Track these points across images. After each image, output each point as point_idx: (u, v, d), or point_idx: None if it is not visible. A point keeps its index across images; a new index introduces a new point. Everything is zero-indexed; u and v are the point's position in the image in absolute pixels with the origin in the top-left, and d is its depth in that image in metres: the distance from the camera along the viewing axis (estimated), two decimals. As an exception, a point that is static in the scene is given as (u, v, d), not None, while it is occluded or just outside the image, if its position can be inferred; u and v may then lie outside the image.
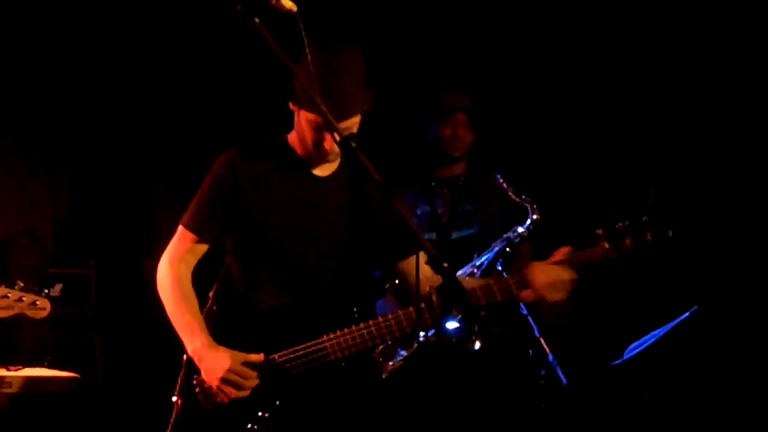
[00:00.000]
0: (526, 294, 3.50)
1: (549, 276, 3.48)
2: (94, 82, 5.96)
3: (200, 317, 3.58)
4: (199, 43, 5.95)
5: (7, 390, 4.65)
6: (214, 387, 3.45)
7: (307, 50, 3.06)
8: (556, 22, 5.87)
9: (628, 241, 3.46)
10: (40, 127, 5.96)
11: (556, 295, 3.50)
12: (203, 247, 3.67)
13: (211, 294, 3.71)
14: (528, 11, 5.90)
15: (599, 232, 3.47)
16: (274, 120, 3.84)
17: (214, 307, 3.68)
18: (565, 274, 3.49)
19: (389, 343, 3.67)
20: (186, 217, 3.68)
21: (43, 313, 3.70)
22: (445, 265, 2.78)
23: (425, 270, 3.12)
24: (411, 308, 3.51)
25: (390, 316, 3.50)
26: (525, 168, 5.25)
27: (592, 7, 5.79)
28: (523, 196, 4.77)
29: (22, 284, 3.65)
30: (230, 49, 5.80)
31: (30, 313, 3.66)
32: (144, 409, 5.57)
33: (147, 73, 6.00)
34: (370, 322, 3.50)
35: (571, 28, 5.85)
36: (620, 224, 3.46)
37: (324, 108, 2.99)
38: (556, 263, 3.50)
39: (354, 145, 2.91)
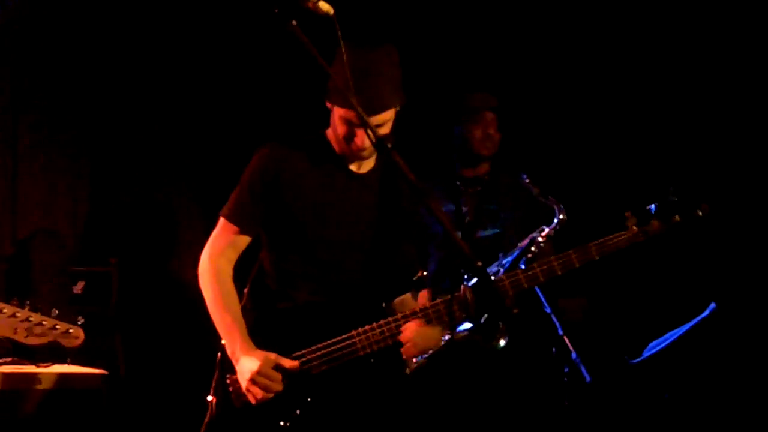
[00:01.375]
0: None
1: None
2: (115, 78, 5.99)
3: (239, 316, 3.59)
4: (220, 39, 5.98)
5: (38, 386, 4.68)
6: (242, 388, 3.50)
7: (343, 50, 3.11)
8: (577, 23, 5.90)
9: (655, 223, 3.48)
10: (61, 126, 5.97)
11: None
12: (245, 240, 3.68)
13: (245, 290, 3.74)
14: (548, 13, 5.93)
15: (627, 214, 3.50)
16: (297, 118, 3.88)
17: (248, 305, 3.71)
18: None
19: None
20: (227, 208, 3.68)
21: (77, 342, 3.67)
22: (479, 264, 2.82)
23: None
24: (438, 300, 3.54)
25: (417, 309, 3.54)
26: (544, 168, 5.27)
27: (614, 9, 5.82)
28: (550, 197, 4.80)
29: (57, 312, 3.66)
30: (254, 46, 5.83)
31: (64, 341, 3.65)
32: (165, 406, 5.64)
33: (168, 69, 6.03)
34: (398, 315, 3.54)
35: (593, 28, 5.88)
36: (648, 207, 3.48)
37: (358, 106, 3.04)
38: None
39: (390, 145, 2.96)
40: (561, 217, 4.77)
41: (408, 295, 3.76)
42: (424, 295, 3.73)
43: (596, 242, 3.50)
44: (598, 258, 3.51)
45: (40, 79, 5.90)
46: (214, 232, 3.70)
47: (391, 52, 3.56)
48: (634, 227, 3.49)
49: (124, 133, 6.03)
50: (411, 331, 3.51)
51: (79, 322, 3.64)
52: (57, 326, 3.54)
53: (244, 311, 3.67)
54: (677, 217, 3.48)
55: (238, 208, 3.65)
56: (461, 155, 5.11)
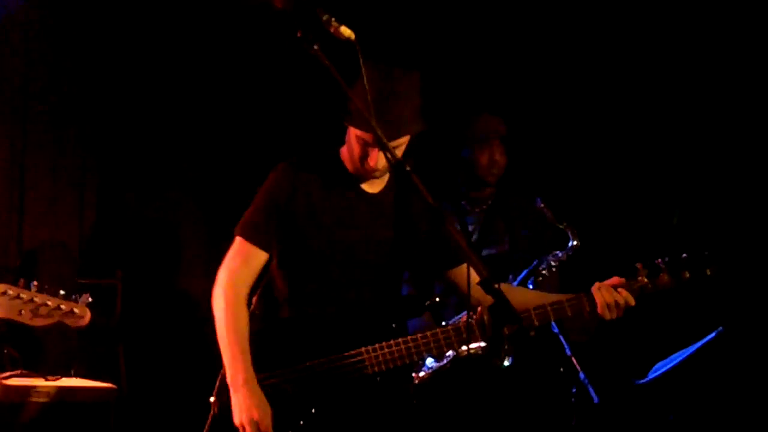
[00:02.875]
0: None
1: (611, 296, 3.55)
2: (123, 92, 6.00)
3: (246, 347, 3.58)
4: (234, 55, 6.00)
5: (45, 399, 4.69)
6: (236, 422, 3.51)
7: (364, 74, 3.14)
8: (587, 48, 5.93)
9: (665, 278, 3.56)
10: (67, 139, 5.98)
11: (612, 315, 3.57)
12: (262, 257, 3.67)
13: (254, 299, 3.74)
14: (559, 35, 5.96)
15: (638, 265, 3.55)
16: (303, 135, 3.90)
17: (257, 312, 3.70)
18: (625, 297, 3.58)
19: (425, 359, 3.73)
20: (242, 226, 3.69)
21: (82, 322, 3.67)
22: (497, 286, 2.85)
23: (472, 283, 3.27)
24: (449, 327, 3.57)
25: (428, 333, 3.56)
26: (553, 190, 5.30)
27: (622, 34, 5.85)
28: (564, 223, 4.82)
29: (63, 292, 3.66)
30: (266, 62, 5.85)
31: (69, 321, 3.64)
32: (168, 419, 5.64)
33: (178, 83, 6.05)
34: (409, 338, 3.56)
35: (603, 54, 5.90)
36: (659, 260, 3.55)
37: (378, 130, 3.07)
38: (614, 286, 3.57)
39: (408, 168, 2.98)
40: (575, 242, 4.80)
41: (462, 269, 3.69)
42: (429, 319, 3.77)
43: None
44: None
45: (48, 91, 5.91)
46: (231, 251, 3.69)
47: (414, 78, 3.59)
48: (644, 278, 3.57)
49: (130, 146, 6.04)
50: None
51: (85, 302, 3.62)
52: (62, 306, 3.54)
53: (253, 317, 3.67)
54: (687, 274, 3.56)
55: (254, 226, 3.66)
56: (467, 179, 5.13)
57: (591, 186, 5.86)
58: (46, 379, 4.81)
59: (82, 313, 3.59)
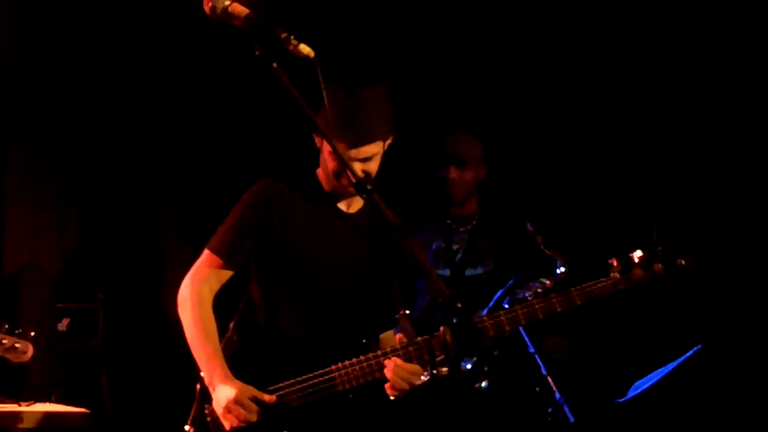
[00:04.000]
0: None
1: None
2: (102, 114, 6.02)
3: (217, 346, 3.61)
4: (210, 76, 6.01)
5: (20, 425, 4.65)
6: (219, 415, 3.51)
7: (324, 91, 3.12)
8: (564, 62, 5.93)
9: (637, 272, 3.49)
10: (47, 161, 6.00)
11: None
12: (227, 274, 3.70)
13: (231, 325, 3.76)
14: (541, 55, 5.96)
15: (612, 261, 3.50)
16: (288, 154, 3.90)
17: (234, 337, 3.72)
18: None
19: None
20: (214, 241, 3.70)
21: (24, 357, 3.67)
22: (459, 305, 2.83)
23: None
24: (419, 338, 3.55)
25: (399, 347, 3.55)
26: (532, 204, 5.30)
27: (600, 48, 5.85)
28: (553, 249, 4.80)
29: (6, 326, 3.63)
30: (243, 84, 5.86)
31: (10, 356, 3.63)
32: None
33: (154, 106, 6.06)
34: (378, 352, 3.56)
35: (579, 68, 5.91)
36: (631, 254, 3.49)
37: (339, 146, 3.07)
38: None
39: (370, 187, 2.97)
40: (562, 269, 4.77)
41: (390, 332, 3.78)
42: (406, 330, 3.74)
43: (577, 288, 3.52)
44: (580, 304, 3.53)
45: (27, 115, 5.92)
46: (198, 263, 3.71)
47: (380, 90, 3.62)
48: (617, 274, 3.50)
49: (111, 170, 6.05)
50: (393, 367, 3.51)
51: (60, 328, 3.61)
52: (4, 341, 3.51)
53: (229, 343, 3.72)
54: (659, 267, 3.48)
55: (225, 242, 3.67)
56: (442, 196, 5.14)
57: (576, 208, 5.84)
58: (19, 405, 4.77)
59: (24, 348, 3.58)
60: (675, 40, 5.70)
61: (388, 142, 3.66)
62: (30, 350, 3.58)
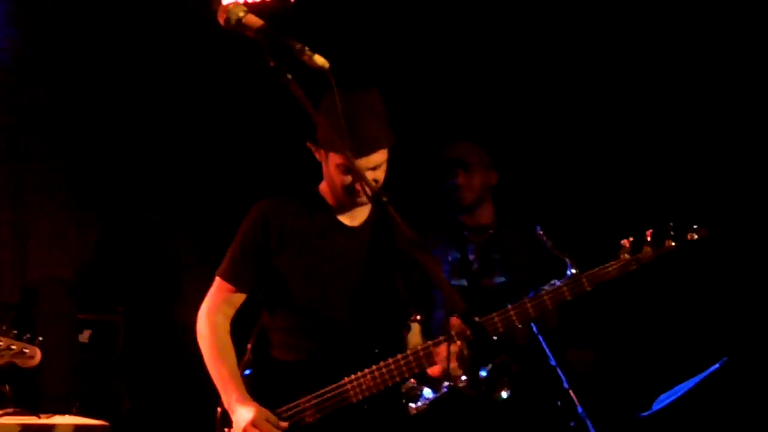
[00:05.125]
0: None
1: None
2: (121, 127, 6.03)
3: (235, 370, 3.67)
4: (225, 91, 6.02)
5: (36, 438, 4.65)
6: None
7: (338, 102, 3.10)
8: (572, 66, 5.89)
9: (648, 250, 3.43)
10: (67, 175, 6.02)
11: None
12: (240, 297, 3.75)
13: (248, 346, 3.77)
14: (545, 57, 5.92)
15: (623, 242, 3.46)
16: (303, 171, 3.88)
17: (250, 360, 3.74)
18: None
19: (408, 378, 3.69)
20: (222, 267, 3.76)
21: (32, 362, 3.65)
22: (477, 319, 2.80)
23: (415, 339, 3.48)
24: (429, 342, 3.54)
25: (408, 352, 3.54)
26: (543, 209, 5.25)
27: (609, 52, 5.81)
28: (563, 251, 4.75)
29: (15, 331, 3.63)
30: (257, 98, 5.86)
31: (19, 361, 3.62)
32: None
33: (173, 118, 6.07)
34: (389, 360, 3.56)
35: (587, 71, 5.86)
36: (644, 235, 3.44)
37: (350, 155, 3.09)
38: None
39: (385, 199, 2.94)
40: (573, 271, 4.70)
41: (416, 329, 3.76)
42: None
43: (586, 274, 3.47)
44: (590, 289, 3.52)
45: (47, 127, 5.94)
46: (211, 290, 3.78)
47: (373, 93, 3.62)
48: (627, 255, 3.45)
49: (131, 182, 6.06)
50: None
51: (81, 340, 3.61)
52: (12, 346, 3.51)
53: (246, 365, 3.72)
54: (671, 243, 3.41)
55: (232, 267, 3.72)
56: (452, 204, 5.12)
57: (587, 210, 5.79)
58: (39, 417, 4.77)
59: (32, 353, 3.57)
60: (682, 42, 5.64)
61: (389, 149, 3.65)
62: (38, 355, 3.58)
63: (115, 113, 6.00)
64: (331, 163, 3.60)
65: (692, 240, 3.44)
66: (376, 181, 3.54)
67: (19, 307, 5.82)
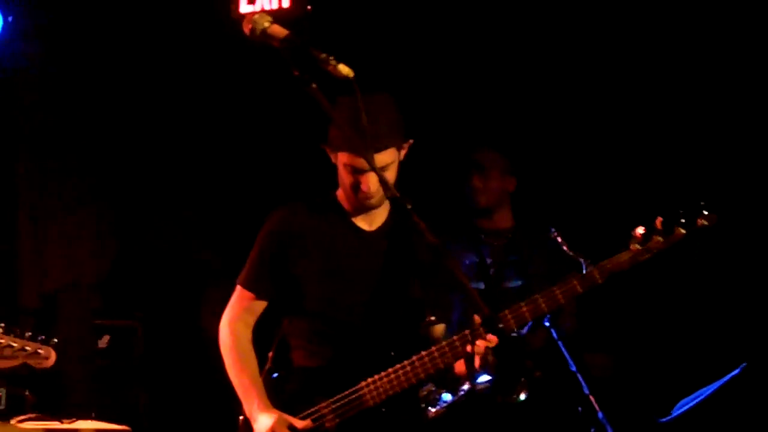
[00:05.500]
0: None
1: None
2: (141, 133, 6.06)
3: (256, 377, 3.70)
4: (248, 98, 6.05)
5: (59, 443, 4.70)
6: None
7: (362, 108, 3.13)
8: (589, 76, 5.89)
9: (658, 239, 3.40)
10: (87, 181, 6.05)
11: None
12: (261, 304, 3.77)
13: (270, 354, 3.79)
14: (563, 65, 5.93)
15: (633, 232, 3.41)
16: (322, 176, 3.90)
17: (272, 368, 3.76)
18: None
19: (424, 379, 3.70)
20: (242, 276, 3.78)
21: (47, 363, 3.63)
22: (501, 325, 2.81)
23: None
24: (444, 343, 3.54)
25: (424, 353, 3.54)
26: (559, 210, 5.25)
27: (631, 58, 5.81)
28: (577, 252, 4.75)
29: (29, 333, 3.65)
30: (280, 104, 5.88)
31: (34, 362, 3.61)
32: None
33: (194, 122, 6.10)
34: (405, 362, 3.56)
35: (600, 72, 5.86)
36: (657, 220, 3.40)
37: (354, 160, 3.17)
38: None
39: (409, 206, 2.95)
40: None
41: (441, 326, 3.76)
42: (432, 339, 3.73)
43: (596, 266, 3.46)
44: (601, 281, 3.47)
45: (66, 133, 5.98)
46: (232, 299, 3.81)
47: (385, 97, 3.63)
48: (637, 245, 3.42)
49: (150, 188, 6.08)
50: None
51: (101, 346, 3.61)
52: (27, 347, 3.51)
53: (268, 372, 3.75)
54: (681, 230, 3.39)
55: (251, 275, 3.75)
56: (470, 208, 5.14)
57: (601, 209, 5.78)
58: (61, 422, 4.81)
59: (46, 354, 3.57)
60: (689, 39, 5.64)
61: (404, 151, 3.66)
62: (52, 356, 3.58)
63: (136, 120, 6.03)
64: (340, 163, 3.64)
65: (702, 227, 3.40)
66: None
67: (39, 312, 5.85)
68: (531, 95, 5.90)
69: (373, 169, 3.04)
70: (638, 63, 5.75)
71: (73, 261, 6.00)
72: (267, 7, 5.74)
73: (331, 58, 2.97)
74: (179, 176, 6.12)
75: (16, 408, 5.11)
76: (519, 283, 5.06)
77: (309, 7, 5.77)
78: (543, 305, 3.50)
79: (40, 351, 3.54)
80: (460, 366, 3.56)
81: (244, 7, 5.78)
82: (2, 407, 5.10)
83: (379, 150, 3.50)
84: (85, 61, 5.98)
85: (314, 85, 2.96)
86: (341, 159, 3.62)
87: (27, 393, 5.21)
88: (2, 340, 3.47)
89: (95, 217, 6.06)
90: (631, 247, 3.42)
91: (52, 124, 5.96)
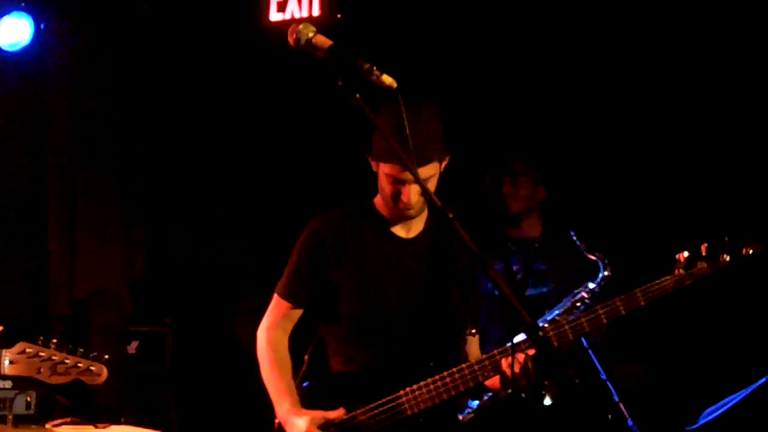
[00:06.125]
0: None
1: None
2: (171, 141, 6.10)
3: (290, 381, 3.70)
4: (286, 104, 6.09)
5: (102, 447, 4.73)
6: None
7: (405, 118, 3.16)
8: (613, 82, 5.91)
9: (702, 265, 3.41)
10: (117, 188, 6.10)
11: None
12: (298, 312, 3.79)
13: (306, 357, 3.82)
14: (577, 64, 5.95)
15: (678, 256, 3.42)
16: (358, 183, 3.93)
17: (307, 372, 3.79)
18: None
19: (463, 392, 3.72)
20: (279, 285, 3.80)
21: (99, 380, 3.70)
22: (541, 333, 2.84)
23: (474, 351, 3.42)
24: (495, 351, 3.53)
25: (464, 366, 3.56)
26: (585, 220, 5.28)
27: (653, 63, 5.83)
28: (596, 252, 4.78)
29: (81, 350, 3.70)
30: (316, 110, 5.92)
31: (86, 379, 3.67)
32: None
33: (224, 131, 6.14)
34: (444, 373, 3.57)
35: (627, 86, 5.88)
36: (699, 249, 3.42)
37: (396, 171, 3.16)
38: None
39: (452, 215, 2.98)
40: (606, 273, 4.75)
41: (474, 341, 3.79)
42: (471, 350, 3.77)
43: (641, 288, 3.46)
44: (644, 304, 3.46)
45: (96, 141, 6.03)
46: (270, 307, 3.82)
47: (431, 107, 3.64)
48: (681, 270, 3.44)
49: (179, 195, 6.12)
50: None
51: (130, 351, 3.64)
52: (79, 364, 3.56)
53: (304, 377, 3.77)
54: (725, 257, 3.41)
55: (289, 284, 3.77)
56: (500, 218, 5.17)
57: (621, 212, 5.80)
58: (96, 427, 4.84)
59: (98, 371, 3.63)
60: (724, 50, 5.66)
61: (445, 162, 3.68)
62: (104, 373, 3.64)
63: (163, 127, 6.08)
64: (381, 172, 3.66)
65: (747, 255, 3.44)
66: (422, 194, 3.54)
67: (69, 319, 5.90)
68: (566, 109, 5.93)
69: (418, 181, 3.04)
70: (682, 80, 5.75)
71: (103, 268, 6.05)
72: (297, 15, 5.77)
73: (375, 68, 3.00)
74: (208, 182, 6.16)
75: (47, 412, 5.16)
76: (544, 290, 5.08)
77: (339, 15, 5.80)
78: (585, 324, 3.49)
79: (92, 368, 3.59)
80: (493, 379, 3.57)
81: (274, 15, 5.83)
82: (32, 411, 5.13)
83: (422, 164, 3.51)
84: (115, 71, 6.04)
85: (358, 96, 2.99)
86: (383, 169, 3.63)
87: (59, 397, 5.25)
88: (56, 357, 3.52)
89: (125, 224, 6.11)
90: (676, 271, 3.44)
91: (82, 134, 6.01)
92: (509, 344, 3.47)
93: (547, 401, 4.60)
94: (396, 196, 3.63)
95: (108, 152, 6.08)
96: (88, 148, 6.03)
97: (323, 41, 3.04)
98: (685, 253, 3.45)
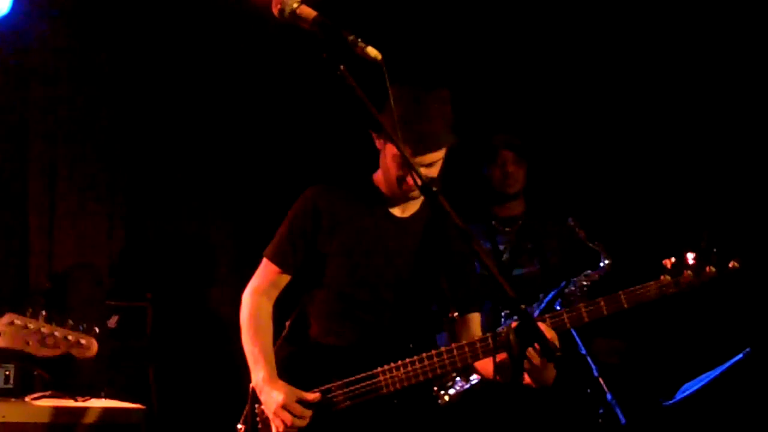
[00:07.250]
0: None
1: None
2: (151, 114, 6.07)
3: (268, 350, 3.71)
4: (263, 77, 6.08)
5: (82, 420, 4.73)
6: (270, 418, 3.60)
7: (391, 95, 3.11)
8: (609, 69, 5.93)
9: (688, 275, 3.44)
10: (97, 161, 6.06)
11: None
12: (285, 278, 3.80)
13: (287, 323, 3.82)
14: (582, 56, 5.97)
15: (665, 263, 3.45)
16: (344, 160, 3.94)
17: (288, 338, 3.79)
18: None
19: (441, 376, 3.73)
20: (269, 249, 3.80)
21: (89, 353, 3.66)
22: (523, 306, 2.85)
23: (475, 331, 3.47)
24: (464, 343, 3.56)
25: (443, 350, 3.57)
26: (584, 208, 5.30)
27: (652, 54, 5.85)
28: (597, 242, 4.82)
29: (71, 322, 3.67)
30: (299, 85, 5.90)
31: (75, 352, 3.64)
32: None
33: (205, 105, 6.12)
34: (423, 355, 3.58)
35: (626, 76, 5.91)
36: (685, 256, 3.45)
37: (404, 149, 3.07)
38: None
39: (435, 189, 2.99)
40: (606, 262, 4.80)
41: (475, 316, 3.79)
42: (453, 333, 3.78)
43: (625, 291, 3.49)
44: (627, 307, 3.49)
45: (77, 114, 5.99)
46: (258, 271, 3.83)
47: (443, 94, 3.65)
48: (667, 277, 3.47)
49: (159, 168, 6.10)
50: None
51: (110, 326, 3.60)
52: (69, 336, 3.53)
53: (282, 343, 3.77)
54: (711, 269, 3.44)
55: (279, 249, 3.77)
56: (490, 196, 5.17)
57: (621, 203, 5.84)
58: (76, 400, 4.85)
59: (88, 344, 3.60)
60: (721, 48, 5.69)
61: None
62: (94, 346, 3.62)
63: (144, 100, 6.04)
64: (389, 152, 3.66)
65: (733, 269, 3.45)
66: (428, 177, 3.57)
67: (50, 293, 5.87)
68: (565, 105, 5.95)
69: (413, 170, 3.01)
70: (681, 79, 5.79)
71: (82, 242, 6.01)
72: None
73: (360, 40, 2.99)
74: (188, 156, 6.14)
75: (26, 386, 5.15)
76: (532, 269, 5.11)
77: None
78: (567, 322, 3.50)
79: (82, 341, 3.56)
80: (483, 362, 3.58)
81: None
82: (10, 385, 5.11)
83: (432, 149, 3.56)
84: (97, 44, 5.99)
85: (342, 67, 2.97)
86: (391, 149, 3.63)
87: (39, 371, 5.24)
88: (45, 330, 3.49)
89: (105, 198, 6.07)
90: (662, 277, 3.47)
91: (62, 107, 5.97)
92: (490, 334, 3.50)
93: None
94: (402, 177, 3.64)
95: (88, 126, 6.04)
96: (68, 122, 5.98)
97: (308, 12, 3.03)
98: (672, 259, 3.47)
